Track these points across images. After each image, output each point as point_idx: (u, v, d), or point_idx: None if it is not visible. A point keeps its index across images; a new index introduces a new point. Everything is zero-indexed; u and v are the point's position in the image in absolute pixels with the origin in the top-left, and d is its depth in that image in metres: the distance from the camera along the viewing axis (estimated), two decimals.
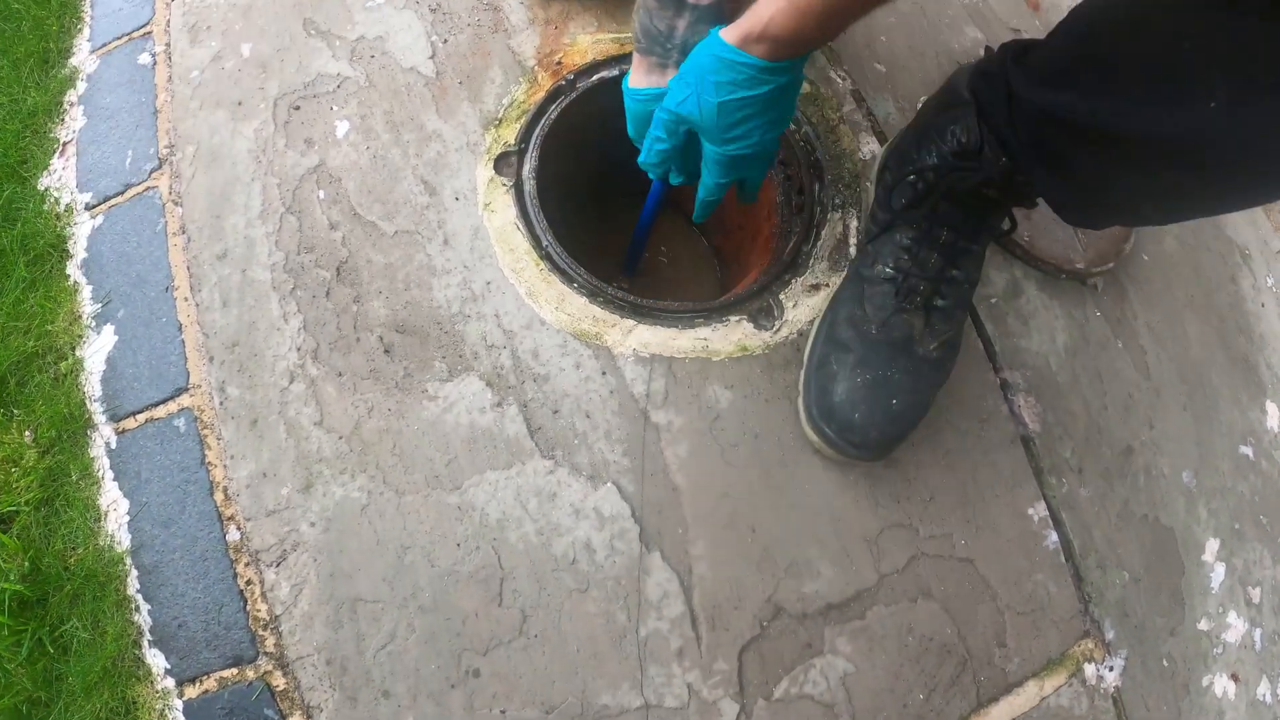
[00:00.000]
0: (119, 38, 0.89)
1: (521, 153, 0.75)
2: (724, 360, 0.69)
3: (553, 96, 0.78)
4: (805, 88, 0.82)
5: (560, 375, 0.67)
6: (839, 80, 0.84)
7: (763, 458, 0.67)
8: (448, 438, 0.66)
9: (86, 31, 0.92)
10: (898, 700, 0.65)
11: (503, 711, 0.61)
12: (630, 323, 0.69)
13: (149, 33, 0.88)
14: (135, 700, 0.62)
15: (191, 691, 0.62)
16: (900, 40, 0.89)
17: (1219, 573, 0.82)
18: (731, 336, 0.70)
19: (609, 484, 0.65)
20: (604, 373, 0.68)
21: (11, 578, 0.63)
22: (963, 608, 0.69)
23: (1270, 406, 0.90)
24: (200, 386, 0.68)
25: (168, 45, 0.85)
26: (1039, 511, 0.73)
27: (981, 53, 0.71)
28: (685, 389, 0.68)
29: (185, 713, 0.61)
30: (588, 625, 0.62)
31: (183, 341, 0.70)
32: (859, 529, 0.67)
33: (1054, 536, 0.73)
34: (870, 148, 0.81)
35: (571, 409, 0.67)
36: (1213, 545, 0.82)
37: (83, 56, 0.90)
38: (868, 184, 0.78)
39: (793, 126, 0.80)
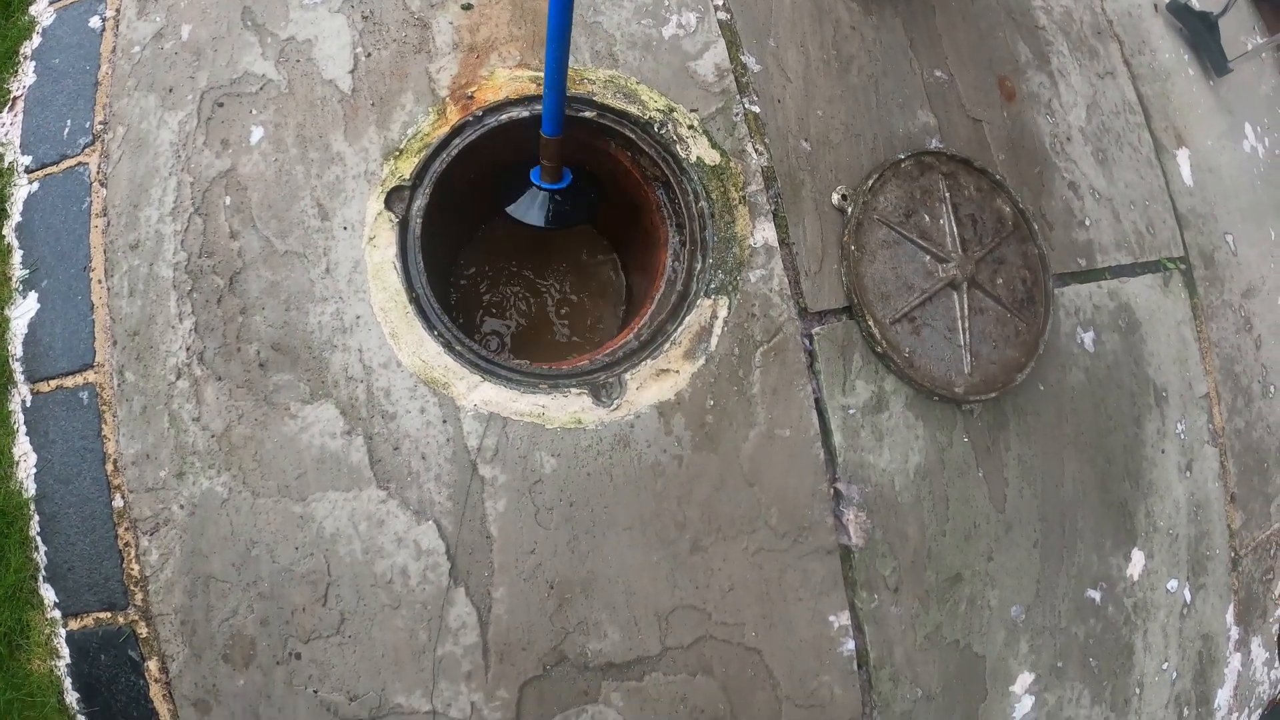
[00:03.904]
0: None
1: (414, 188, 0.87)
2: (556, 430, 0.83)
3: (457, 131, 0.88)
4: (715, 158, 0.90)
5: (406, 416, 0.82)
6: (754, 155, 0.91)
7: (573, 524, 0.82)
8: (301, 454, 0.82)
9: None
10: None
11: (315, 691, 0.80)
12: (477, 379, 0.83)
13: None
14: (29, 623, 0.84)
15: (74, 624, 0.83)
16: (840, 116, 0.94)
17: (1025, 704, 0.94)
18: (569, 407, 0.83)
19: (431, 521, 0.81)
20: (445, 421, 0.82)
21: None
22: (741, 690, 0.84)
23: (1136, 555, 0.98)
24: (104, 366, 0.86)
25: (118, 11, 0.98)
26: (841, 620, 0.86)
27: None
28: (515, 450, 0.82)
29: (68, 641, 0.83)
30: (394, 636, 0.80)
31: (93, 321, 0.87)
32: (652, 604, 0.82)
33: (851, 645, 0.86)
34: (765, 235, 0.89)
35: (410, 449, 0.82)
36: (1025, 679, 0.94)
37: (42, 5, 1.03)
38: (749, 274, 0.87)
39: (691, 196, 0.89)
